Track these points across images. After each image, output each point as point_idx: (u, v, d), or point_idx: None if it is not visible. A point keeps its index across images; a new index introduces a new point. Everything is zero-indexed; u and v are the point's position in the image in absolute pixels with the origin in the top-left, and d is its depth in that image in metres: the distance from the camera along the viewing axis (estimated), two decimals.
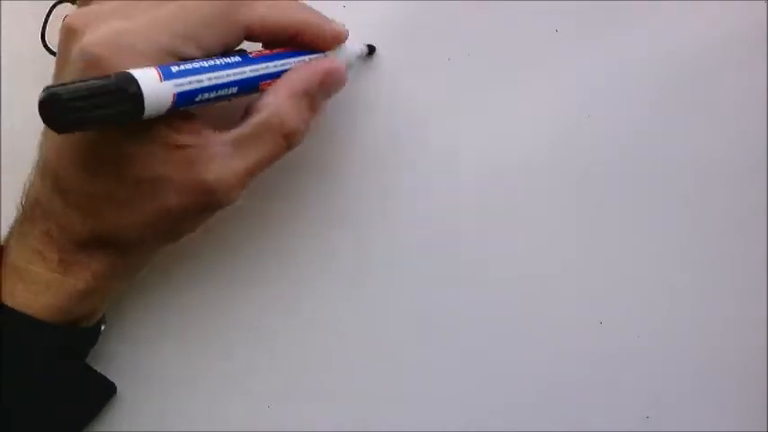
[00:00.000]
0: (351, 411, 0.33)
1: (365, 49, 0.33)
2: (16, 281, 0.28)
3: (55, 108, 0.22)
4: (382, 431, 0.33)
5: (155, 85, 0.23)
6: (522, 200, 0.33)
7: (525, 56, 0.33)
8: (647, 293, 0.32)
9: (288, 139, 0.28)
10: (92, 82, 0.23)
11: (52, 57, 0.31)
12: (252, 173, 0.28)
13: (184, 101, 0.24)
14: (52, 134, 0.27)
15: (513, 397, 0.32)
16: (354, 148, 0.34)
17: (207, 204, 0.27)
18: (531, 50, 0.33)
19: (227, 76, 0.26)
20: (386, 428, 0.33)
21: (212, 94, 0.25)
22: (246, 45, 0.29)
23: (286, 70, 0.28)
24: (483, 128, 0.33)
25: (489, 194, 0.33)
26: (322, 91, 0.29)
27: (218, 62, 0.26)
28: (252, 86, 0.27)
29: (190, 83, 0.24)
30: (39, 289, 0.27)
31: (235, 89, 0.26)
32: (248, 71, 0.27)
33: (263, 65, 0.28)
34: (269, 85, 0.28)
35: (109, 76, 0.23)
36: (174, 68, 0.24)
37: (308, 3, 0.34)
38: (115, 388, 0.33)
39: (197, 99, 0.25)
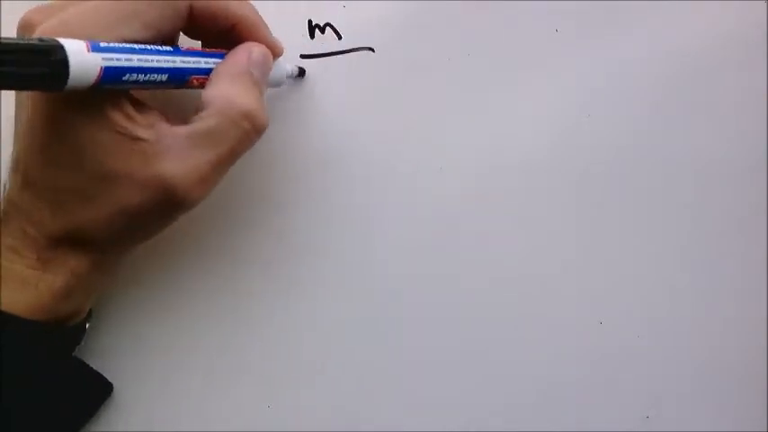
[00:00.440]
0: (350, 411, 0.33)
1: (296, 71, 0.33)
2: None
3: None
4: (382, 431, 0.33)
5: (81, 54, 0.23)
6: (522, 200, 0.33)
7: (525, 56, 0.33)
8: (647, 293, 0.32)
9: (250, 120, 0.28)
10: (19, 39, 0.23)
11: None
12: (218, 167, 0.28)
13: (112, 77, 0.25)
14: (21, 128, 0.27)
15: (513, 397, 0.32)
16: (354, 148, 0.34)
17: (168, 202, 0.27)
18: (531, 50, 0.33)
19: (157, 61, 0.26)
20: (386, 428, 0.33)
21: (141, 77, 0.26)
22: (184, 43, 0.29)
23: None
24: (483, 128, 0.33)
25: (489, 194, 0.33)
26: (257, 67, 0.29)
27: (149, 47, 0.26)
28: (181, 78, 0.28)
29: (118, 59, 0.25)
30: (19, 287, 0.27)
31: (164, 76, 0.27)
32: (179, 61, 0.27)
33: (194, 59, 0.28)
34: (199, 80, 0.28)
35: (36, 39, 0.23)
36: (104, 44, 0.25)
37: (307, 2, 0.34)
38: (112, 387, 0.33)
39: (125, 78, 0.25)
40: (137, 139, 0.26)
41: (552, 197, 0.33)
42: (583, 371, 0.32)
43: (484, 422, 0.32)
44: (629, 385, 0.32)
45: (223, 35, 0.30)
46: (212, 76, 0.29)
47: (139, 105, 0.27)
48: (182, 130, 0.27)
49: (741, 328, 0.32)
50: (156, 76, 0.26)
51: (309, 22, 0.34)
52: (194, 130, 0.27)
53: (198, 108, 0.28)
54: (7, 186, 0.28)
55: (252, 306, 0.34)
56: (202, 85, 0.28)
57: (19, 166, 0.27)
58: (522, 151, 0.33)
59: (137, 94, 0.28)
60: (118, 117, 0.26)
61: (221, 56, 0.29)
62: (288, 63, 0.33)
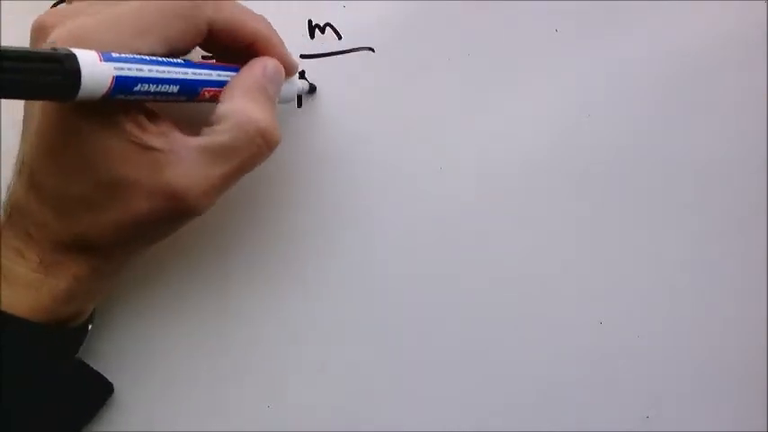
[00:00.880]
0: (350, 411, 0.33)
1: (307, 87, 0.33)
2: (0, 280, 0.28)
3: None
4: (382, 431, 0.33)
5: (93, 64, 0.23)
6: (522, 200, 0.33)
7: (525, 56, 0.33)
8: (647, 293, 0.32)
9: (264, 137, 0.28)
10: (29, 48, 0.23)
11: None
12: (229, 179, 0.28)
13: (123, 87, 0.25)
14: (28, 131, 0.27)
15: (513, 397, 0.32)
16: (354, 148, 0.34)
17: (177, 211, 0.27)
18: (531, 50, 0.33)
19: (169, 72, 0.26)
20: (386, 428, 0.33)
21: (152, 87, 0.26)
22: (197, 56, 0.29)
23: (226, 82, 0.29)
24: (483, 128, 0.33)
25: (489, 194, 0.33)
26: (272, 82, 0.29)
27: (161, 59, 0.26)
28: (193, 90, 0.27)
29: (129, 69, 0.25)
30: (22, 289, 0.27)
31: (176, 88, 0.27)
32: (190, 73, 0.27)
33: (206, 71, 0.28)
34: (211, 93, 0.28)
35: (47, 48, 0.23)
36: (116, 55, 0.24)
37: (310, 2, 0.34)
38: (112, 387, 0.33)
39: (136, 88, 0.25)
40: (149, 148, 0.26)
41: (552, 197, 0.33)
42: (583, 371, 0.32)
43: (484, 422, 0.32)
44: (629, 385, 0.32)
45: (239, 51, 0.29)
46: (227, 89, 0.28)
47: (152, 114, 0.27)
48: (195, 141, 0.27)
49: (741, 328, 0.32)
50: (167, 87, 0.26)
51: (309, 22, 0.34)
52: (208, 143, 0.27)
53: (211, 120, 0.28)
54: (12, 187, 0.28)
55: (252, 306, 0.34)
56: (214, 98, 0.28)
57: (25, 168, 0.27)
58: (522, 151, 0.33)
59: (150, 104, 0.28)
60: (130, 125, 0.26)
61: (233, 69, 0.29)
62: (299, 80, 0.33)
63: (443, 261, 0.33)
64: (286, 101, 0.32)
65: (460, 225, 0.33)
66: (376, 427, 0.33)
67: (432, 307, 0.33)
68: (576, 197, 0.33)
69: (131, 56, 0.25)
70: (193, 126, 0.28)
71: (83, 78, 0.23)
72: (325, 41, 0.34)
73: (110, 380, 0.33)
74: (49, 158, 0.27)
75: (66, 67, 0.23)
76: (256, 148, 0.28)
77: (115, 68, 0.24)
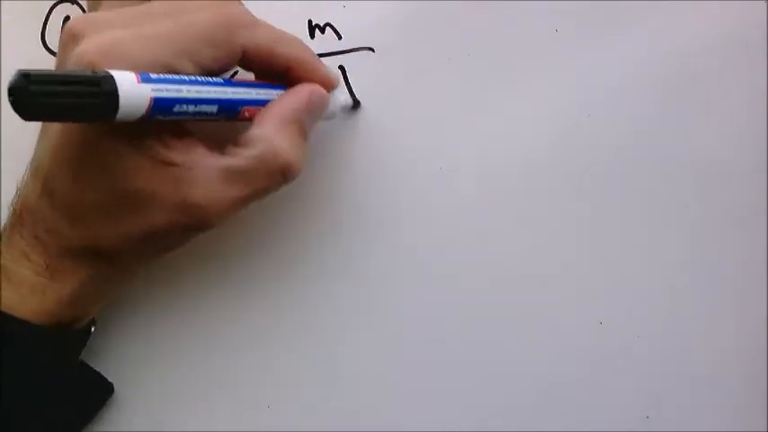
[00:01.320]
0: (350, 411, 0.33)
1: (350, 102, 0.33)
2: (5, 283, 0.27)
3: (24, 90, 0.21)
4: (382, 431, 0.33)
5: (131, 85, 0.23)
6: (522, 200, 0.33)
7: (525, 56, 0.33)
8: (647, 293, 0.32)
9: (285, 173, 0.28)
10: (67, 71, 0.22)
11: (52, 57, 0.31)
12: (244, 201, 0.28)
13: (162, 108, 0.24)
14: (47, 135, 0.27)
15: (513, 397, 0.32)
16: (353, 148, 0.34)
17: (191, 225, 0.27)
18: (531, 50, 0.33)
19: (208, 92, 0.26)
20: (386, 428, 0.33)
21: (191, 108, 0.25)
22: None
23: (267, 101, 0.28)
24: (483, 128, 0.33)
25: (489, 194, 0.33)
26: (310, 115, 0.29)
27: (200, 78, 0.26)
28: (233, 109, 0.27)
29: (168, 90, 0.24)
30: (26, 292, 0.27)
31: (215, 108, 0.26)
32: (230, 92, 0.27)
33: (245, 90, 0.28)
34: (250, 111, 0.28)
35: (86, 70, 0.23)
36: (154, 76, 0.24)
37: (310, 2, 0.34)
38: (112, 387, 0.33)
39: (175, 109, 0.25)
40: (170, 163, 0.26)
41: (552, 197, 0.33)
42: (583, 371, 0.32)
43: (484, 422, 0.32)
44: (629, 385, 0.32)
45: (276, 74, 0.29)
46: (263, 112, 0.28)
47: (178, 129, 0.27)
48: (216, 161, 0.27)
49: (741, 327, 0.32)
50: (206, 107, 0.26)
51: (309, 22, 0.34)
52: (229, 166, 0.27)
53: (240, 141, 0.28)
54: (24, 189, 0.28)
55: (251, 306, 0.34)
56: (253, 118, 0.28)
57: (39, 174, 0.27)
58: (522, 151, 0.33)
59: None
60: (153, 142, 0.26)
61: (274, 87, 0.29)
62: (342, 94, 0.32)
63: (443, 261, 0.33)
64: (327, 118, 0.32)
65: (460, 225, 0.33)
66: (376, 427, 0.33)
67: (432, 307, 0.33)
68: (575, 197, 0.33)
69: (170, 76, 0.25)
70: (222, 140, 0.28)
71: (120, 101, 0.23)
72: (325, 41, 0.34)
73: (110, 380, 0.33)
74: (66, 168, 0.26)
75: (104, 90, 0.22)
76: (273, 183, 0.28)
77: (153, 90, 0.24)
